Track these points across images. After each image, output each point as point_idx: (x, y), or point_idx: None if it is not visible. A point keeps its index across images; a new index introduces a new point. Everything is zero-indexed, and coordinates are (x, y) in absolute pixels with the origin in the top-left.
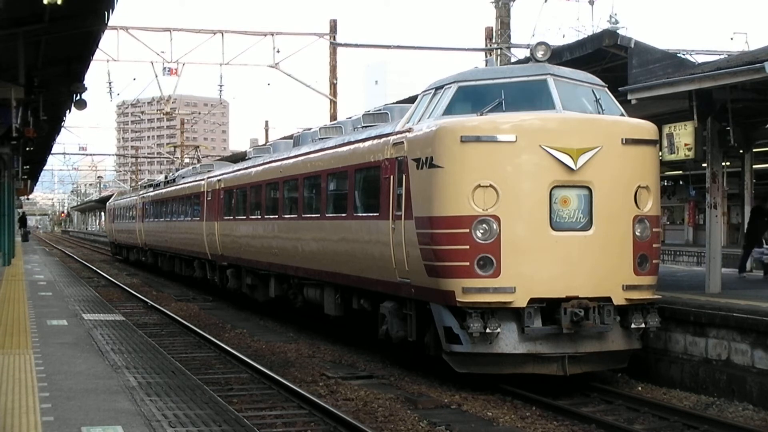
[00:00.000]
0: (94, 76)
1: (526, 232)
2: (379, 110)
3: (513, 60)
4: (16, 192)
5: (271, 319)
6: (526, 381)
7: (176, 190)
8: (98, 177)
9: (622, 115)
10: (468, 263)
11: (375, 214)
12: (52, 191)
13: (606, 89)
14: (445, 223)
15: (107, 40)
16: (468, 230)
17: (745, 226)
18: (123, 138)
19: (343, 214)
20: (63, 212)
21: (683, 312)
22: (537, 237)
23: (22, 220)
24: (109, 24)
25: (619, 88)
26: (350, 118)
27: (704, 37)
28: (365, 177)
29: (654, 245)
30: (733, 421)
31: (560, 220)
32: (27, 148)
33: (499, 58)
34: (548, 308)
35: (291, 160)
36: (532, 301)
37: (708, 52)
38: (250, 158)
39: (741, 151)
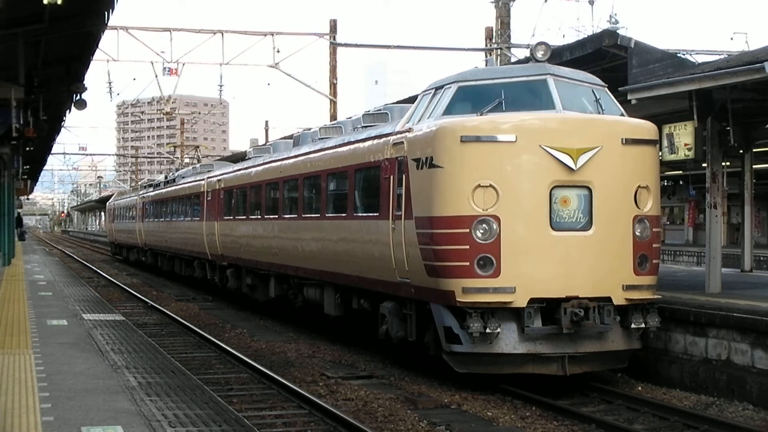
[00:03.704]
0: (94, 76)
1: (526, 232)
2: (379, 110)
3: (513, 60)
4: (16, 192)
5: (271, 319)
6: (526, 381)
7: (176, 190)
8: (98, 177)
9: (622, 115)
10: (468, 263)
11: (375, 214)
12: (52, 191)
13: (606, 89)
14: (445, 223)
15: (107, 40)
16: (468, 230)
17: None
18: (123, 138)
19: (343, 214)
20: (63, 212)
21: (683, 312)
22: (537, 237)
23: (18, 220)
24: (109, 24)
25: (619, 88)
26: (350, 118)
27: (704, 37)
28: (365, 177)
29: (654, 245)
30: (733, 421)
31: (560, 220)
32: (27, 148)
33: (499, 58)
34: (548, 308)
35: (291, 160)
36: (532, 301)
37: (708, 52)
38: (250, 158)
39: (741, 151)
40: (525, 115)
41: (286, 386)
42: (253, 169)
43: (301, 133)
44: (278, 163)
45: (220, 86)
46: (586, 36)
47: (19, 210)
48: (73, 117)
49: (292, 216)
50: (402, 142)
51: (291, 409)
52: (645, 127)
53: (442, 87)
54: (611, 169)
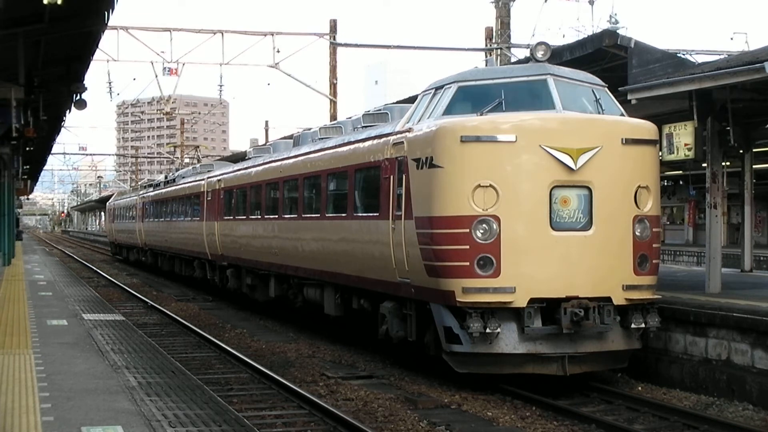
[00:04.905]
0: (94, 76)
1: (526, 232)
2: (379, 110)
3: (513, 60)
4: (16, 192)
5: (271, 319)
6: (526, 381)
7: (176, 190)
8: (98, 177)
9: (622, 115)
10: (468, 263)
11: (375, 214)
12: (52, 191)
13: (606, 89)
14: (445, 223)
15: (107, 40)
16: (468, 230)
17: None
18: (123, 138)
19: (343, 214)
20: (63, 212)
21: (683, 312)
22: (537, 237)
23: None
24: (109, 24)
25: (619, 88)
26: (350, 118)
27: (704, 37)
28: (365, 177)
29: (654, 245)
30: (733, 421)
31: (560, 220)
32: (27, 148)
33: (499, 58)
34: (548, 308)
35: (291, 160)
36: (532, 301)
37: (708, 52)
38: (250, 158)
39: (741, 151)
40: (525, 115)
41: (286, 386)
42: (253, 169)
43: (301, 133)
44: (278, 163)
45: (220, 86)
46: (586, 36)
47: (18, 210)
48: (73, 117)
49: (292, 216)
50: (402, 142)
51: (291, 409)
52: (645, 127)
53: (442, 87)
54: (611, 169)
